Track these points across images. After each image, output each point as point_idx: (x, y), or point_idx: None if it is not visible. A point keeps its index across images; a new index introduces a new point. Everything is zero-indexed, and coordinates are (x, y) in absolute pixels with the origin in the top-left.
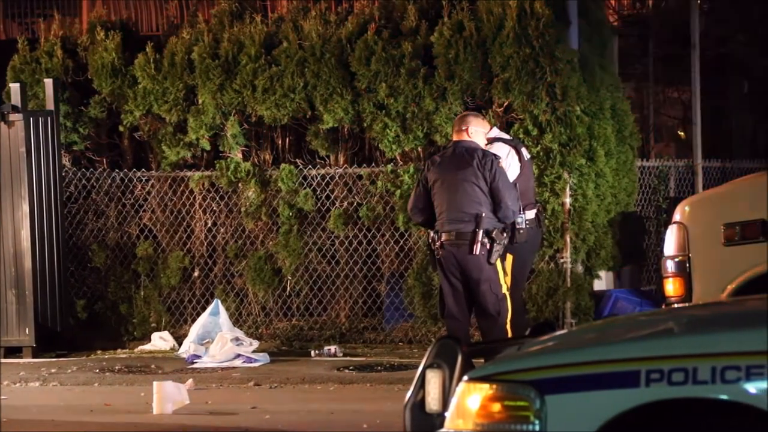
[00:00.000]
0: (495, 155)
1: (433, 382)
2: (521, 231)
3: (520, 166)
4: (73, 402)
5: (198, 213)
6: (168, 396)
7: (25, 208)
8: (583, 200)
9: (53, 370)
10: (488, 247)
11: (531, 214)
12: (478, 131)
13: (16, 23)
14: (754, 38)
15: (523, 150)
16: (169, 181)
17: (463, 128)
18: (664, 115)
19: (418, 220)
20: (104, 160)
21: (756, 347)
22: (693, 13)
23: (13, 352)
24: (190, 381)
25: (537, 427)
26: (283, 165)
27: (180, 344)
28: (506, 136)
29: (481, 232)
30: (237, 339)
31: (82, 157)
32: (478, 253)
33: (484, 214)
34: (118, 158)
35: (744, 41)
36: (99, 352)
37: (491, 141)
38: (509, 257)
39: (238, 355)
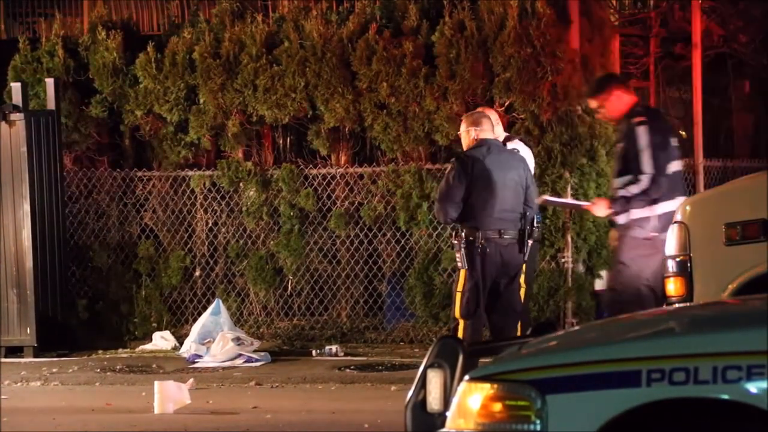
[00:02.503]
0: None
1: (435, 381)
2: (537, 229)
3: (534, 165)
4: (74, 401)
5: (199, 213)
6: (169, 395)
7: (27, 207)
8: (584, 200)
9: (54, 370)
10: (528, 245)
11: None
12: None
13: (18, 23)
14: (756, 37)
15: None
16: (170, 181)
17: (490, 126)
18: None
19: (453, 215)
20: (105, 159)
21: (757, 347)
22: (694, 12)
23: (14, 351)
24: (191, 380)
25: (538, 427)
26: (284, 165)
27: (181, 344)
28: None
29: (526, 231)
30: (238, 338)
31: (84, 157)
32: (526, 251)
33: (528, 213)
34: (119, 158)
35: (745, 40)
36: (100, 351)
37: (510, 138)
38: None
39: (240, 355)
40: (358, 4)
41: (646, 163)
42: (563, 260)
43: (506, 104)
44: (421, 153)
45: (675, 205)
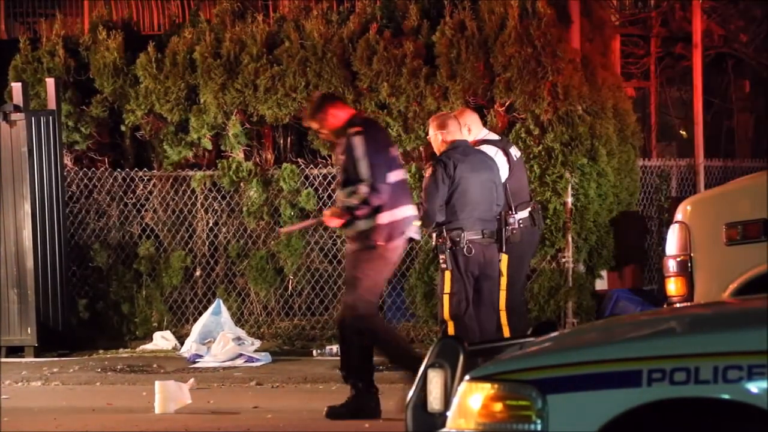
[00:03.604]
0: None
1: (435, 381)
2: (515, 231)
3: (509, 167)
4: (75, 401)
5: (200, 212)
6: (170, 395)
7: (27, 207)
8: (584, 200)
9: (55, 370)
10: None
11: (524, 213)
12: None
13: (18, 23)
14: (756, 37)
15: (512, 150)
16: (170, 181)
17: (457, 128)
18: (665, 115)
19: (441, 218)
20: (106, 159)
21: (757, 347)
22: (695, 12)
23: (15, 351)
24: (191, 380)
25: (539, 427)
26: (284, 164)
27: (182, 344)
28: (494, 137)
29: (503, 231)
30: (239, 338)
31: (84, 157)
32: (502, 251)
33: (502, 214)
34: (119, 158)
35: (745, 40)
36: (101, 351)
37: (479, 143)
38: (504, 257)
39: (240, 355)
40: (359, 4)
41: (364, 171)
42: (564, 260)
43: (507, 104)
44: (421, 153)
45: (401, 213)
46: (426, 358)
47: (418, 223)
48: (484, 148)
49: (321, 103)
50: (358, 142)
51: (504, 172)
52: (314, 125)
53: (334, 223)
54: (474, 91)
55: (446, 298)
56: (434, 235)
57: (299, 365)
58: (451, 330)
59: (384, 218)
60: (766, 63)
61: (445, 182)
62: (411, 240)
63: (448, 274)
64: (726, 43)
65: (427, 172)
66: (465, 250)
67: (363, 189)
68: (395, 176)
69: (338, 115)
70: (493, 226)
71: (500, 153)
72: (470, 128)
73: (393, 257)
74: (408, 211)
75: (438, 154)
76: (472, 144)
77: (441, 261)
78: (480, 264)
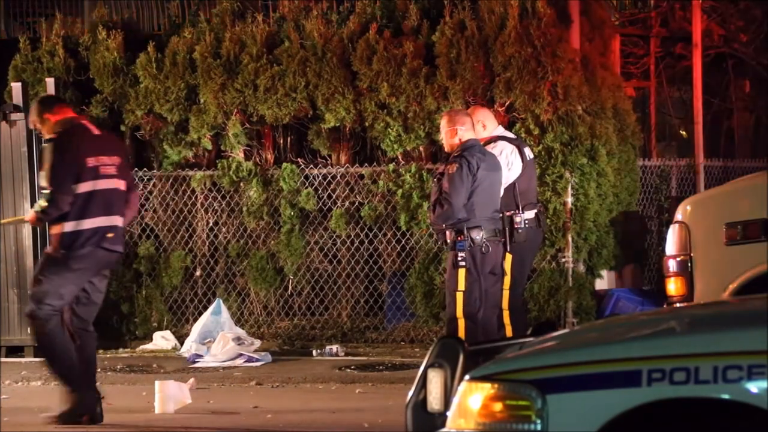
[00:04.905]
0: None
1: (435, 381)
2: (520, 231)
3: (522, 166)
4: None
5: (200, 212)
6: (170, 395)
7: (27, 207)
8: (584, 199)
9: None
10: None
11: (530, 214)
12: None
13: (18, 23)
14: (756, 37)
15: (526, 150)
16: (170, 181)
17: (471, 125)
18: (665, 115)
19: (463, 215)
20: None
21: (757, 346)
22: (695, 12)
23: (15, 351)
24: (191, 380)
25: (539, 427)
26: (284, 164)
27: (182, 343)
28: (510, 135)
29: (507, 231)
30: (239, 338)
31: None
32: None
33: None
34: None
35: (745, 40)
36: (101, 351)
37: (495, 139)
38: (508, 256)
39: (240, 355)
40: (359, 3)
41: (45, 180)
42: (564, 260)
43: (507, 104)
44: (421, 153)
45: (90, 224)
46: (426, 357)
47: (111, 234)
48: (501, 144)
49: (36, 107)
50: (47, 150)
51: (516, 171)
52: (37, 127)
53: (35, 223)
54: (474, 91)
55: (460, 296)
56: (448, 232)
57: (299, 365)
58: (461, 327)
59: (67, 227)
60: (766, 63)
61: (469, 179)
62: (113, 252)
63: (463, 272)
64: (726, 43)
65: (451, 169)
66: (482, 248)
67: (41, 199)
68: (89, 186)
69: (50, 119)
70: (500, 225)
71: (515, 151)
72: (485, 124)
73: (80, 266)
74: (102, 221)
75: (449, 149)
76: (489, 140)
77: (460, 259)
78: (492, 263)
